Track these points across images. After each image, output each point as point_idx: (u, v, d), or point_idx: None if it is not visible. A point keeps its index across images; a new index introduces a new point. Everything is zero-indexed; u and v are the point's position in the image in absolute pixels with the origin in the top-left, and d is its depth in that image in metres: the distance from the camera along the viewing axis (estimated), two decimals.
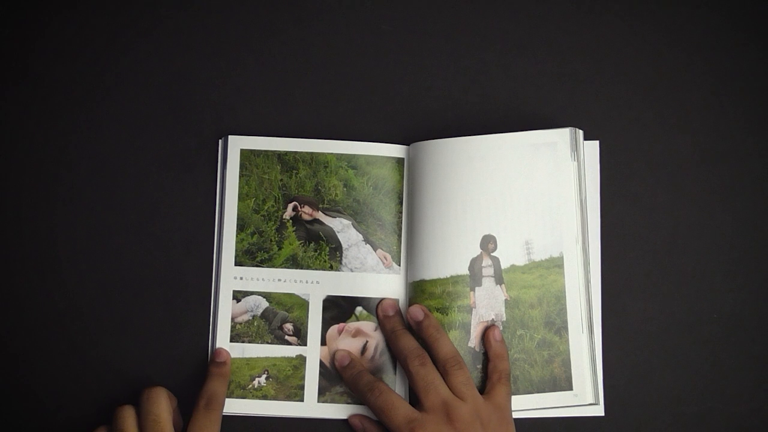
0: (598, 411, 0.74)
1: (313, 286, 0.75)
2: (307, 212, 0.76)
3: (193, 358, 0.75)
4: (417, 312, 0.73)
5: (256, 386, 0.74)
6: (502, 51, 0.78)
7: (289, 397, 0.74)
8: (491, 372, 0.71)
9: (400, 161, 0.76)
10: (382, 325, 0.74)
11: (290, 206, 0.76)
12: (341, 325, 0.75)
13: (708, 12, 0.78)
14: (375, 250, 0.75)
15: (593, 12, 0.78)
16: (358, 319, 0.75)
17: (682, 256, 0.76)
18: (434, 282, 0.73)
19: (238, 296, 0.75)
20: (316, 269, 0.75)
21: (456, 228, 0.73)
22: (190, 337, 0.75)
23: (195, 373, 0.74)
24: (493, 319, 0.73)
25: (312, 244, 0.75)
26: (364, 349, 0.75)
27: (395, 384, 0.74)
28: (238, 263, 0.75)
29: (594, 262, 0.75)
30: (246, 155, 0.76)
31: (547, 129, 0.73)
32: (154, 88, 0.77)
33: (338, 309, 0.75)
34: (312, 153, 0.76)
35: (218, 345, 0.74)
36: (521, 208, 0.73)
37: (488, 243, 0.73)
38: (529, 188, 0.73)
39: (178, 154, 0.77)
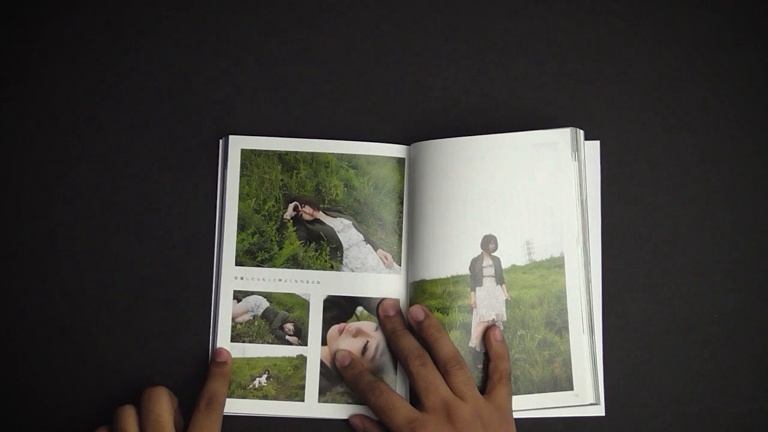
0: (599, 411, 0.74)
1: (313, 286, 0.75)
2: (307, 212, 0.76)
3: (193, 358, 0.75)
4: (418, 312, 0.73)
5: (256, 386, 0.74)
6: (502, 51, 0.78)
7: (290, 397, 0.74)
8: (492, 372, 0.71)
9: (400, 161, 0.76)
10: (382, 325, 0.74)
11: (291, 206, 0.76)
12: (342, 325, 0.75)
13: (708, 12, 0.78)
14: (376, 250, 0.75)
15: (593, 12, 0.78)
16: (358, 319, 0.75)
17: (682, 256, 0.76)
18: (435, 282, 0.73)
19: (238, 296, 0.75)
20: (316, 269, 0.75)
21: (457, 228, 0.73)
22: (191, 336, 0.75)
23: (196, 373, 0.74)
24: (493, 319, 0.73)
25: (313, 244, 0.75)
26: (364, 349, 0.75)
27: (396, 384, 0.74)
28: (238, 263, 0.75)
29: (594, 262, 0.75)
30: (247, 155, 0.76)
31: (548, 129, 0.73)
32: (154, 88, 0.77)
33: (339, 309, 0.75)
34: (313, 153, 0.76)
35: (219, 345, 0.74)
36: (522, 208, 0.73)
37: (489, 243, 0.73)
38: (530, 188, 0.73)
39: (178, 154, 0.77)
